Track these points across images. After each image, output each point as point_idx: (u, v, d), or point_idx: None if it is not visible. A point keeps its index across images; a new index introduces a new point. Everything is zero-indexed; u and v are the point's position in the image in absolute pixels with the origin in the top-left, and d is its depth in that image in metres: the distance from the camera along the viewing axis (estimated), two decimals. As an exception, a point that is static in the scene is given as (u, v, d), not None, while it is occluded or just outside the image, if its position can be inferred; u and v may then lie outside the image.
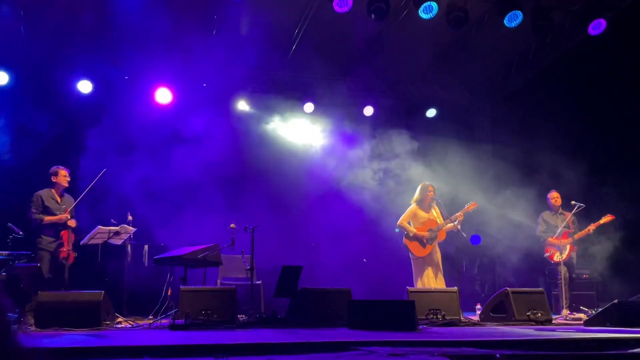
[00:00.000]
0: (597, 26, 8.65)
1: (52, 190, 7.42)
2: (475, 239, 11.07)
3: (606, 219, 8.37)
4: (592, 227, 8.42)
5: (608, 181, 9.43)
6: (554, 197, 8.83)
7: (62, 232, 7.32)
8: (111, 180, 9.09)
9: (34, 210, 7.24)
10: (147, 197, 9.52)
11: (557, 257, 8.41)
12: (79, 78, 9.86)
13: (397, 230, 8.26)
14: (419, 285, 7.80)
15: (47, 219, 7.21)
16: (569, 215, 8.46)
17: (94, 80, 9.91)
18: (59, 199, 7.41)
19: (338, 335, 5.27)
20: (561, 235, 8.44)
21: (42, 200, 7.28)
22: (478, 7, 9.06)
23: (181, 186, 10.04)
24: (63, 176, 7.43)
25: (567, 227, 8.49)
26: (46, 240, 7.23)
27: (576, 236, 8.47)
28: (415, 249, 7.97)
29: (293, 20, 9.58)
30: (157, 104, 10.24)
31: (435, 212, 8.19)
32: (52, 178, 7.43)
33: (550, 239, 8.55)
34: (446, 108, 11.85)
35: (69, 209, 7.37)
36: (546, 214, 8.86)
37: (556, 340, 4.77)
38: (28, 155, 9.24)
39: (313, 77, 11.23)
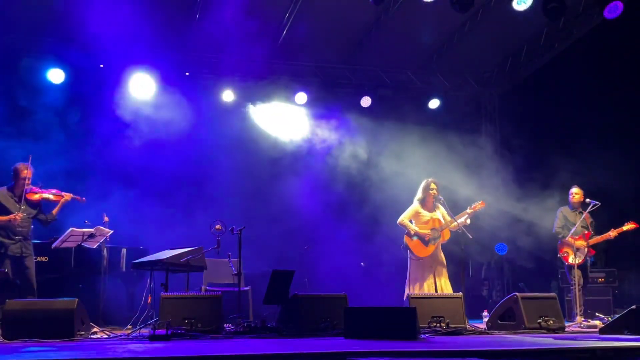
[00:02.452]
0: (613, 9, 8.66)
1: (12, 189, 7.28)
2: (501, 249, 11.10)
3: (629, 226, 8.34)
4: (613, 233, 8.38)
5: (626, 176, 9.42)
6: (574, 193, 8.74)
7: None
8: (85, 178, 9.08)
9: None
10: (126, 197, 9.50)
11: (572, 259, 8.40)
12: (49, 66, 9.81)
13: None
14: (416, 291, 7.76)
15: None
16: (585, 214, 8.42)
17: (66, 69, 9.86)
18: (16, 199, 7.20)
19: (333, 345, 5.26)
20: (578, 236, 8.43)
21: None
22: (484, -12, 9.08)
23: (162, 184, 10.02)
24: (22, 178, 7.19)
25: (585, 227, 8.47)
26: (3, 244, 7.10)
27: (593, 240, 8.44)
28: (416, 248, 7.96)
29: (283, 3, 9.54)
30: (135, 94, 10.19)
31: (440, 212, 8.16)
32: (13, 176, 7.27)
33: (567, 238, 8.52)
34: (451, 98, 11.87)
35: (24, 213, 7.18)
36: (566, 210, 8.79)
37: (570, 349, 4.78)
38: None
39: (305, 65, 11.23)
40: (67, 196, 7.46)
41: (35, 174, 7.38)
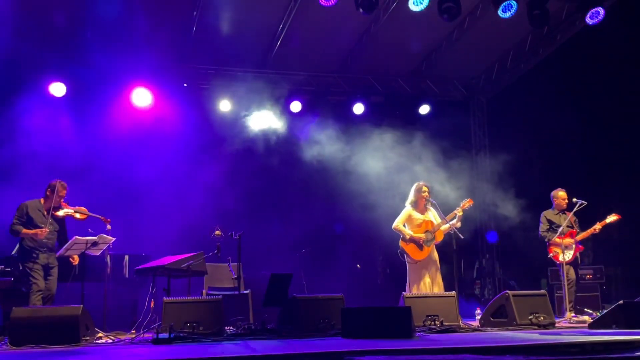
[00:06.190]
0: (595, 15, 8.71)
1: (42, 202, 7.28)
2: (492, 236, 11.14)
3: (612, 218, 8.35)
4: (598, 227, 8.37)
5: (610, 177, 9.45)
6: (559, 195, 8.70)
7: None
8: (87, 187, 9.04)
9: (16, 221, 7.12)
10: (127, 205, 9.49)
11: (562, 258, 8.39)
12: (51, 80, 9.80)
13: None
14: (414, 292, 7.77)
15: (24, 231, 7.08)
16: (570, 214, 8.43)
17: (67, 82, 9.85)
18: (45, 212, 7.23)
19: (331, 345, 5.26)
20: (564, 235, 8.44)
21: (27, 211, 7.16)
22: (471, -3, 9.11)
23: (163, 192, 10.00)
24: (58, 196, 7.19)
25: (570, 226, 8.48)
26: (31, 253, 7.09)
27: (579, 237, 8.44)
28: (412, 252, 7.95)
29: (277, 16, 9.56)
30: (135, 106, 10.19)
31: (432, 214, 8.17)
32: (47, 191, 7.25)
33: (554, 238, 8.53)
34: (440, 104, 11.89)
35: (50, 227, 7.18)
36: (549, 213, 8.78)
37: (560, 344, 4.78)
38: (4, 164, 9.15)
39: (299, 74, 11.25)
40: (94, 215, 7.47)
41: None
